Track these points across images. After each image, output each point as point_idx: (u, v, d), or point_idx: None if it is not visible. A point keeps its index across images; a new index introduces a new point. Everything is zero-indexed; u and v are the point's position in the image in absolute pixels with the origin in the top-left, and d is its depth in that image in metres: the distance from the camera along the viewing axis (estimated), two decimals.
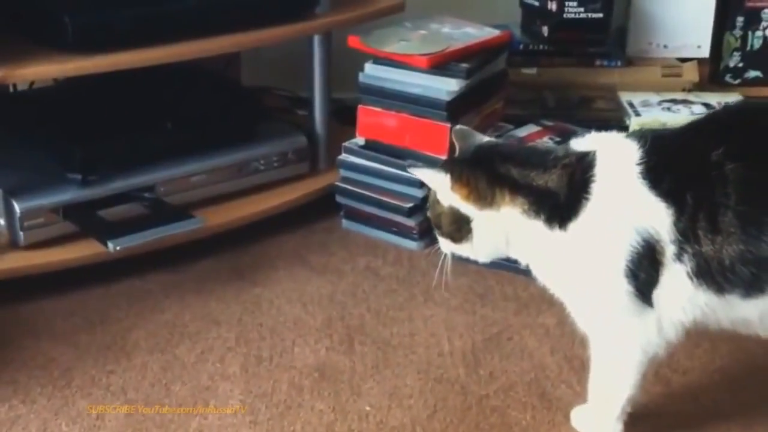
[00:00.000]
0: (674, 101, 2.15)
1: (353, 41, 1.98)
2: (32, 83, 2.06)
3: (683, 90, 2.27)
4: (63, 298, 1.78)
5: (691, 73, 2.32)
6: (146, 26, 1.77)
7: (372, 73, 1.98)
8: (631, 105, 2.11)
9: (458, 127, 1.45)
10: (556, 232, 1.29)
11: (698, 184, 1.23)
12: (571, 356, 1.63)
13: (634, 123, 2.04)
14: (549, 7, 2.25)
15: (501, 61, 2.10)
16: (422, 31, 2.04)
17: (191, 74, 2.06)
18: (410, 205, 1.95)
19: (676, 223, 1.23)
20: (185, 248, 1.86)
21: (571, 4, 2.24)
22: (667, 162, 1.26)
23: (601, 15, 2.25)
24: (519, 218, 1.31)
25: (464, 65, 1.92)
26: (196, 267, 1.90)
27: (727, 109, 1.43)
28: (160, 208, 1.84)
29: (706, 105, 2.11)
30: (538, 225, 1.30)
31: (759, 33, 2.41)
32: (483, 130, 2.06)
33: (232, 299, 1.80)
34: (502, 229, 1.33)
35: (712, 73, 2.44)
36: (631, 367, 1.36)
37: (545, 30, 2.29)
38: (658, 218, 1.24)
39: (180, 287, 1.83)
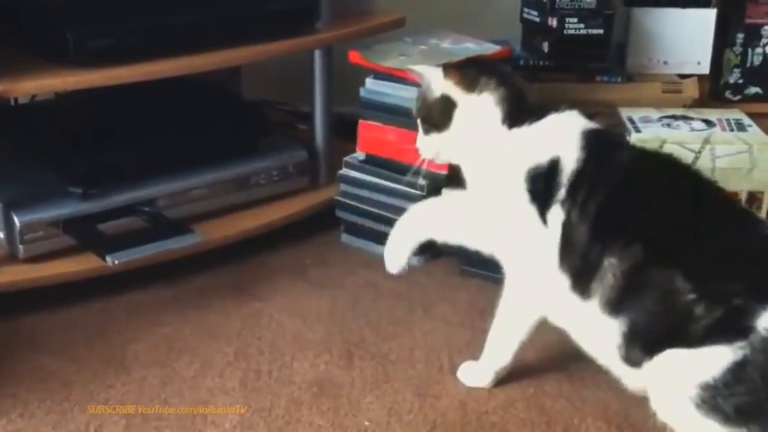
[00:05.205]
0: (674, 117, 2.14)
1: (354, 56, 1.99)
2: (34, 96, 2.06)
3: (683, 106, 2.27)
4: (62, 311, 1.78)
5: (691, 90, 2.33)
6: (147, 40, 1.78)
7: (373, 87, 1.98)
8: (632, 121, 2.11)
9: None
10: (504, 129, 1.48)
11: (599, 168, 1.40)
12: (570, 372, 1.62)
13: (634, 139, 2.04)
14: (550, 23, 2.26)
15: None
16: (422, 47, 2.05)
17: (192, 88, 2.06)
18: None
19: (575, 174, 1.40)
20: (185, 262, 1.86)
21: (571, 20, 2.24)
22: (598, 143, 1.44)
23: (601, 31, 2.25)
24: (491, 107, 1.49)
25: None
26: (196, 281, 1.90)
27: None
28: (159, 223, 1.84)
29: (707, 121, 2.11)
30: (497, 115, 1.49)
31: (759, 49, 2.42)
32: None
33: (231, 313, 1.80)
34: (475, 118, 1.50)
35: (713, 89, 2.44)
36: (521, 315, 1.54)
37: (545, 46, 2.29)
38: (570, 160, 1.41)
39: (179, 301, 1.83)
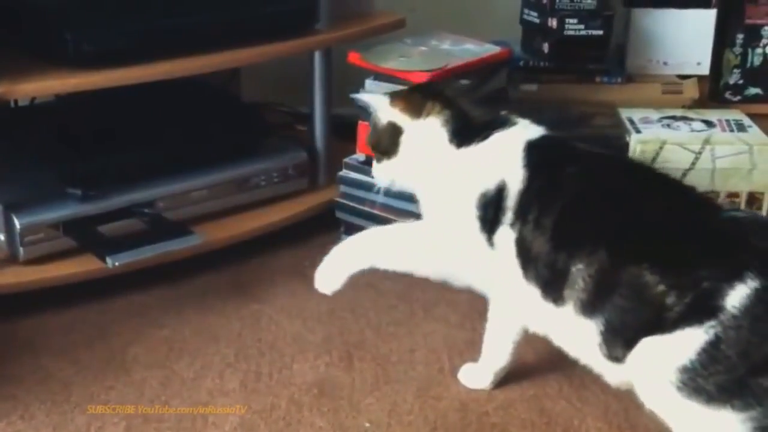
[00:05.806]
0: (674, 118, 2.15)
1: (353, 57, 1.99)
2: (33, 99, 2.06)
3: (683, 107, 2.27)
4: (62, 313, 1.78)
5: (691, 90, 2.33)
6: (147, 42, 1.78)
7: (372, 89, 1.98)
8: (631, 122, 2.12)
9: None
10: (452, 148, 1.48)
11: (548, 183, 1.40)
12: (570, 373, 1.62)
13: (634, 139, 2.04)
14: (549, 24, 2.26)
15: (501, 77, 2.10)
16: (422, 48, 2.05)
17: (192, 90, 2.07)
18: (410, 221, 1.94)
19: (521, 194, 1.40)
20: (185, 263, 1.86)
21: (571, 21, 2.25)
22: (542, 155, 1.44)
23: (601, 32, 2.26)
24: (437, 129, 1.49)
25: (464, 82, 1.92)
26: (196, 282, 1.90)
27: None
28: (159, 224, 1.84)
29: (707, 122, 2.11)
30: (444, 136, 1.49)
31: (759, 50, 2.42)
32: None
33: (231, 315, 1.80)
34: (422, 142, 1.51)
35: (712, 90, 2.45)
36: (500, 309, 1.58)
37: (545, 47, 2.29)
38: (515, 181, 1.41)
39: (179, 302, 1.83)
